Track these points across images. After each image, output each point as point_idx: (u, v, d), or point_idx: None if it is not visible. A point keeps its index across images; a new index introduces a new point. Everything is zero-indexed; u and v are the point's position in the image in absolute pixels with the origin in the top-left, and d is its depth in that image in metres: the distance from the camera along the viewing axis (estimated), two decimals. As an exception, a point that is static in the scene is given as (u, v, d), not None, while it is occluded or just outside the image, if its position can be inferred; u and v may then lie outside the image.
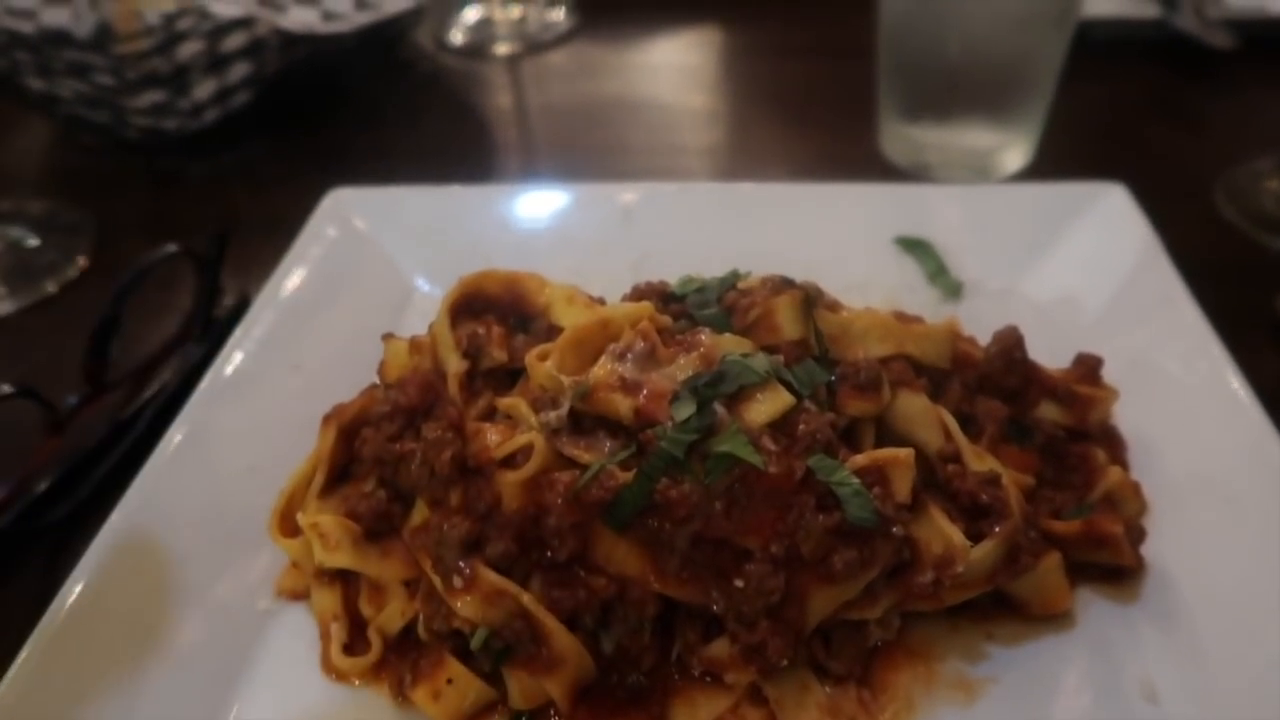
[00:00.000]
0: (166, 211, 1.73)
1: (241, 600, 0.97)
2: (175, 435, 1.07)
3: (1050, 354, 1.11)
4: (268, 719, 0.88)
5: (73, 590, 0.90)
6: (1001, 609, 0.92)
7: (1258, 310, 1.31)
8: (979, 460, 0.93)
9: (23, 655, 0.84)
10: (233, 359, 1.17)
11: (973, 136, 1.57)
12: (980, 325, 1.13)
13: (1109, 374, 1.08)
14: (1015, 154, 1.59)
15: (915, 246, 1.33)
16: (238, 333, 1.20)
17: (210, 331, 1.35)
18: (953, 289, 1.29)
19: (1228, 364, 1.04)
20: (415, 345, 1.03)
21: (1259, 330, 1.29)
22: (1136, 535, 0.93)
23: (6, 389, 1.09)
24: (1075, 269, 1.27)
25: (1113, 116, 1.81)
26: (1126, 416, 1.08)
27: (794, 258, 1.21)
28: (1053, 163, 1.59)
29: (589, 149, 1.85)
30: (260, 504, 1.02)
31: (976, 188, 1.43)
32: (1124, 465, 1.02)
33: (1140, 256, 1.23)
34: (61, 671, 0.85)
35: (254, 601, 0.97)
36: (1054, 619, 0.92)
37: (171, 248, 1.30)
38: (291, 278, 1.30)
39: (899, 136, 1.63)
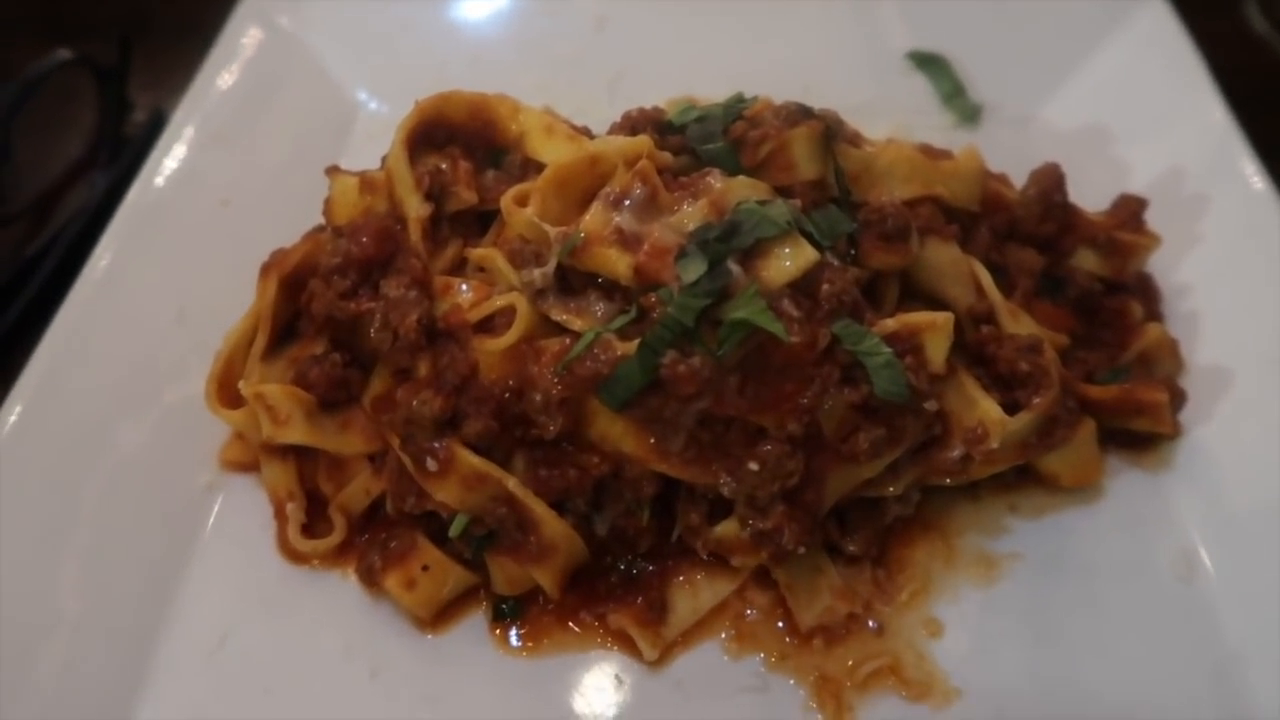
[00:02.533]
0: (60, 9, 1.49)
1: (180, 474, 0.86)
2: (90, 277, 0.93)
3: (1077, 192, 0.99)
4: (215, 609, 0.79)
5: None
6: (1025, 480, 0.85)
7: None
8: (1014, 321, 0.83)
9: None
10: (149, 189, 1.01)
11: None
12: (999, 157, 1.00)
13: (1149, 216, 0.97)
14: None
15: (929, 63, 1.18)
16: (153, 158, 1.04)
17: (120, 155, 1.17)
18: (970, 113, 1.16)
19: (1277, 210, 0.94)
20: (367, 183, 0.87)
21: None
22: (1178, 401, 0.85)
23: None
24: (1106, 93, 1.13)
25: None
26: (1161, 264, 0.98)
27: (790, 75, 1.08)
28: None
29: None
30: (193, 359, 0.89)
31: (997, -1, 1.26)
32: (1159, 319, 0.93)
33: (1180, 81, 1.09)
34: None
35: (195, 475, 0.86)
36: (1082, 491, 0.85)
37: (65, 54, 1.11)
38: (212, 92, 1.12)
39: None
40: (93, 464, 0.83)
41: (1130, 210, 0.94)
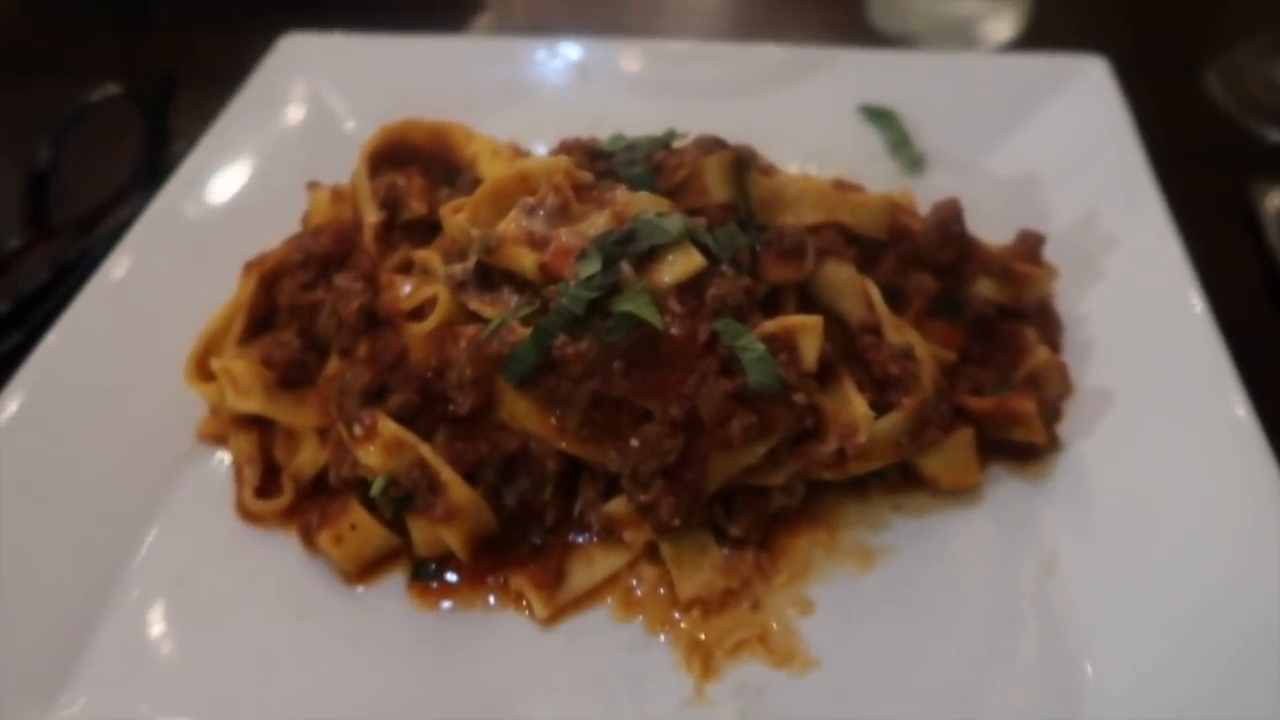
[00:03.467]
0: (128, 53, 1.69)
1: (163, 440, 0.98)
2: (107, 275, 1.07)
3: (1003, 231, 1.08)
4: (176, 554, 0.90)
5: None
6: (911, 482, 0.92)
7: (1231, 199, 1.26)
8: (899, 333, 0.91)
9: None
10: (169, 202, 1.15)
11: (961, 4, 1.50)
12: (938, 199, 1.09)
13: (1060, 253, 1.05)
14: (1003, 23, 1.51)
15: (879, 116, 1.28)
16: (176, 177, 1.19)
17: (158, 179, 1.33)
18: (913, 162, 1.24)
19: (1178, 254, 1.00)
20: (338, 195, 1.01)
21: (1231, 220, 1.24)
22: (1051, 414, 0.92)
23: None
24: (1043, 145, 1.22)
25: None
26: (1069, 297, 1.05)
27: (753, 123, 1.17)
28: (1044, 36, 1.51)
29: (568, 6, 1.77)
30: (186, 350, 1.02)
31: (948, 55, 1.37)
32: (1055, 346, 1.00)
33: (1110, 135, 1.17)
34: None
35: (176, 443, 0.98)
36: (963, 494, 0.91)
37: (113, 89, 1.27)
38: (236, 123, 1.27)
39: (885, 2, 1.55)
40: (90, 423, 0.95)
41: (1029, 244, 1.02)
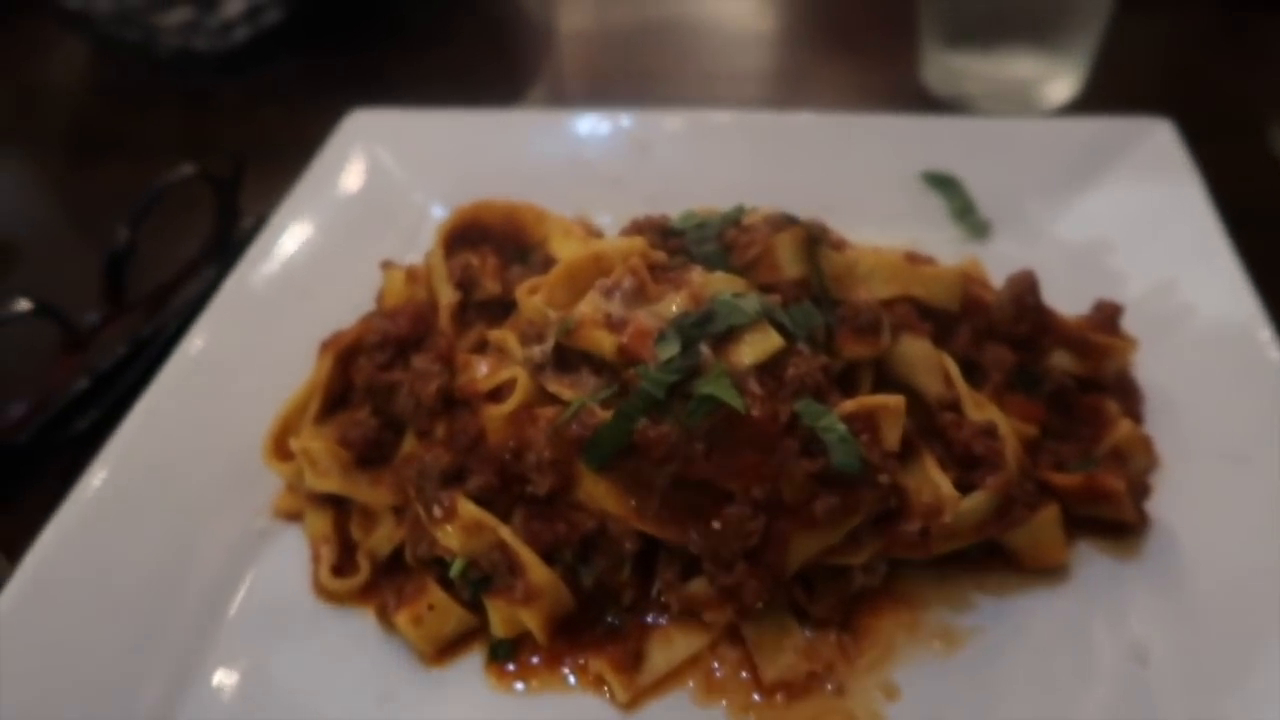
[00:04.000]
0: (196, 132, 1.74)
1: (240, 519, 0.99)
2: (186, 352, 1.09)
3: (1076, 300, 1.06)
4: (254, 633, 0.90)
5: (82, 495, 0.93)
6: (994, 560, 0.90)
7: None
8: (978, 409, 0.90)
9: (29, 560, 0.87)
10: (242, 282, 1.17)
11: (1017, 66, 1.50)
12: (1006, 267, 1.07)
13: (1136, 323, 1.03)
14: (1062, 85, 1.51)
15: (942, 183, 1.27)
16: (249, 255, 1.21)
17: (228, 254, 1.36)
18: (979, 229, 1.24)
19: (1260, 320, 0.99)
20: (412, 274, 1.02)
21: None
22: (1140, 491, 0.90)
23: (27, 305, 1.11)
24: (1112, 211, 1.20)
25: (1170, 47, 1.71)
26: (1148, 368, 1.03)
27: (814, 192, 1.17)
28: (1102, 96, 1.50)
29: (621, 74, 1.80)
30: (264, 428, 1.03)
31: (1010, 121, 1.36)
32: (1138, 418, 0.98)
33: (1181, 200, 1.16)
34: (65, 576, 0.88)
35: (252, 521, 0.99)
36: (1048, 572, 0.90)
37: (189, 169, 1.31)
38: (306, 200, 1.30)
39: (940, 65, 1.56)
40: (173, 507, 0.97)
41: (1106, 314, 1.00)
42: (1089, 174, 1.25)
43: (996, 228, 1.25)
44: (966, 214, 1.26)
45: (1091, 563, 0.90)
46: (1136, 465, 0.94)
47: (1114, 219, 1.20)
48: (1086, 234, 1.21)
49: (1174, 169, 1.20)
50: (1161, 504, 0.92)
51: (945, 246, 1.20)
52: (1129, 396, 1.00)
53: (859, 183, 1.28)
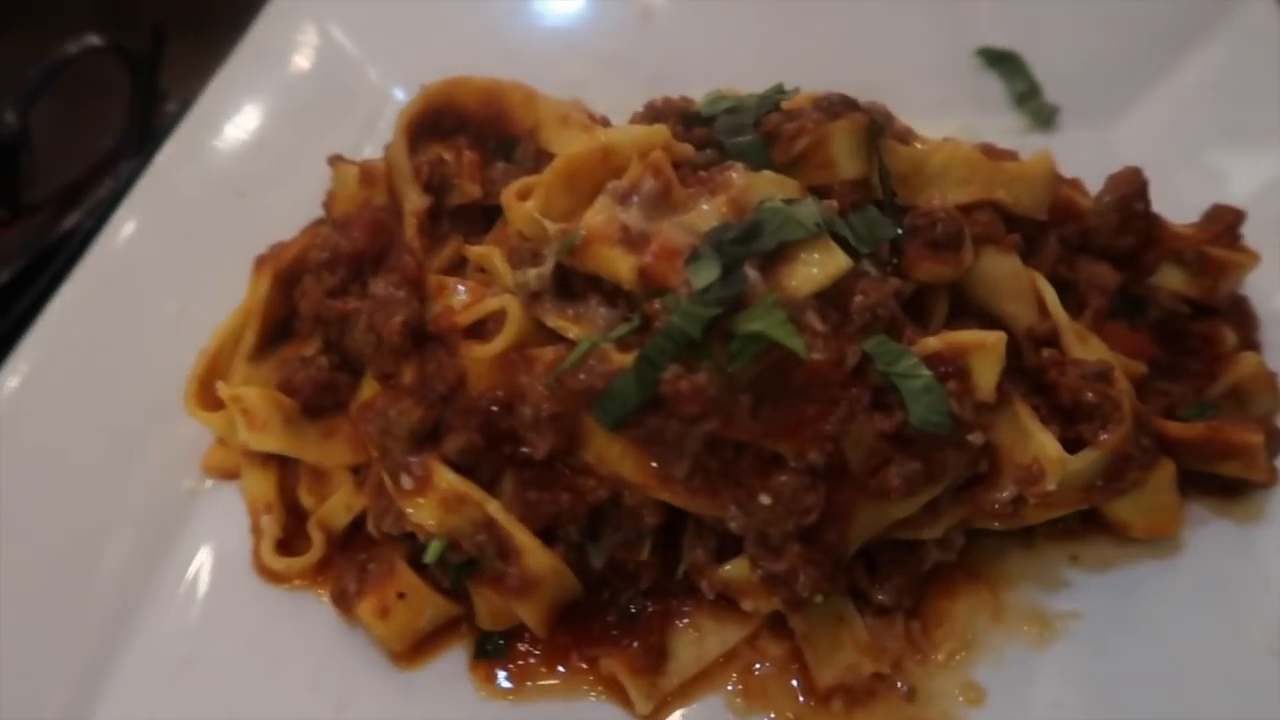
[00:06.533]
0: (111, 1, 1.50)
1: (162, 477, 0.82)
2: (91, 267, 0.91)
3: (1166, 205, 0.88)
4: (180, 627, 0.74)
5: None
6: (1090, 526, 0.76)
7: None
8: (1082, 344, 0.73)
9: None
10: (161, 180, 0.98)
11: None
12: (1076, 164, 0.91)
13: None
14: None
15: (1001, 61, 1.11)
16: (170, 147, 1.01)
17: (147, 146, 1.14)
18: (1045, 116, 1.09)
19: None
20: (369, 173, 0.82)
21: None
22: (1275, 443, 0.74)
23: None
24: (1206, 94, 1.04)
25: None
26: (1260, 287, 0.86)
27: (849, 74, 0.98)
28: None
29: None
30: (188, 357, 0.85)
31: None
32: (1256, 348, 0.82)
33: (1288, 83, 0.98)
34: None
35: (177, 479, 0.82)
36: (1156, 543, 0.74)
37: (93, 40, 1.09)
38: (240, 81, 1.10)
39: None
40: (70, 460, 0.79)
41: (1225, 223, 0.83)
42: (1173, 55, 1.08)
43: (1065, 115, 1.09)
44: (1029, 98, 1.09)
45: (1207, 529, 0.76)
46: (1260, 407, 0.78)
47: (1204, 107, 1.04)
48: (1170, 124, 1.05)
49: (1275, 47, 1.02)
50: (1289, 455, 0.76)
51: (1004, 138, 1.02)
52: (1245, 323, 0.84)
53: (901, 61, 1.11)
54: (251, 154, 1.04)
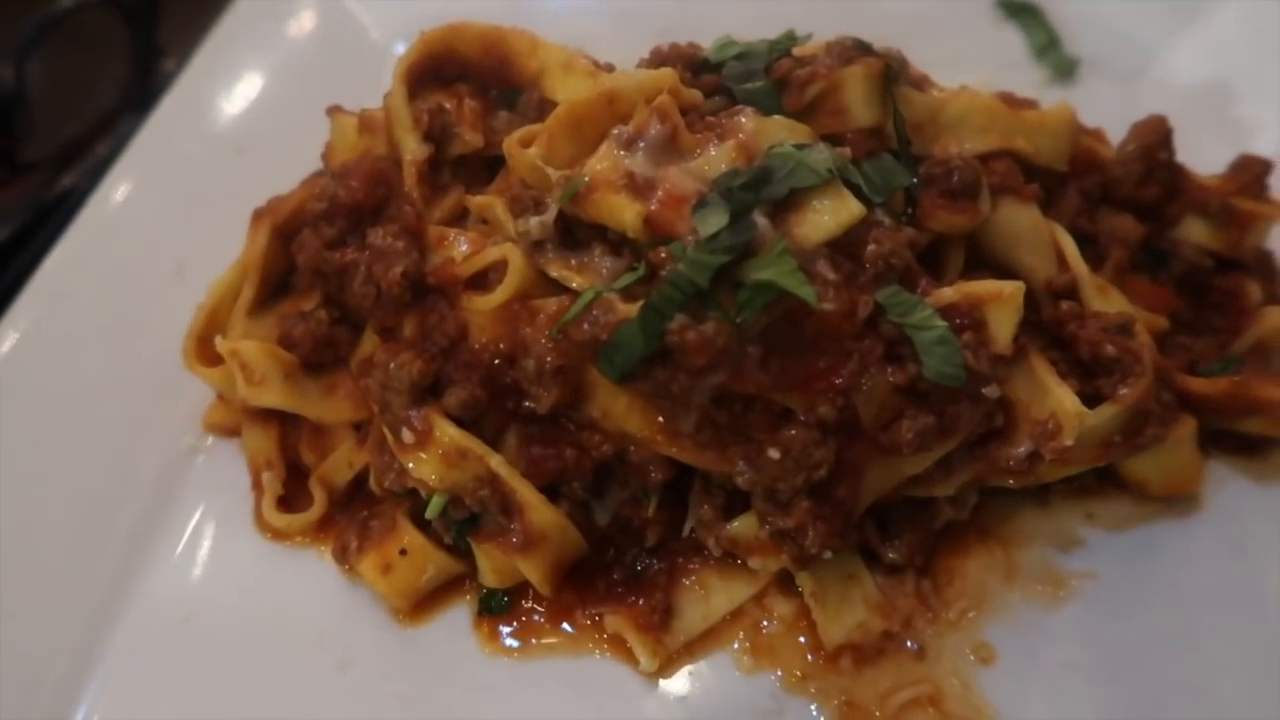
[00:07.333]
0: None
1: (163, 435, 0.80)
2: (89, 223, 0.90)
3: (1190, 159, 0.86)
4: (181, 583, 0.73)
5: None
6: (1106, 484, 0.74)
7: None
8: (1102, 297, 0.70)
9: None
10: (159, 135, 0.96)
11: None
12: (1099, 115, 0.88)
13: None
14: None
15: (1021, 12, 1.09)
16: (167, 102, 0.99)
17: (146, 103, 1.12)
18: (1065, 67, 1.05)
19: None
20: (368, 122, 0.80)
21: None
22: (1296, 398, 0.71)
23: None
24: (1226, 47, 1.01)
25: None
26: (1282, 240, 0.84)
27: (865, 24, 0.95)
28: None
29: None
30: (188, 316, 0.83)
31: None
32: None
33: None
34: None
35: (178, 437, 0.80)
36: (1175, 501, 0.73)
37: (88, -8, 1.06)
38: (239, 35, 1.07)
39: None
40: (68, 418, 0.78)
41: (1252, 174, 0.81)
42: (1196, 4, 1.04)
43: (1086, 66, 1.05)
44: (1049, 49, 1.07)
45: (1227, 488, 0.74)
46: (1283, 363, 0.75)
47: (1230, 57, 1.00)
48: (1196, 76, 1.01)
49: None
50: (1313, 412, 0.74)
51: (1023, 91, 0.98)
52: (1270, 277, 0.81)
53: (918, 12, 1.08)
54: (251, 110, 1.02)
